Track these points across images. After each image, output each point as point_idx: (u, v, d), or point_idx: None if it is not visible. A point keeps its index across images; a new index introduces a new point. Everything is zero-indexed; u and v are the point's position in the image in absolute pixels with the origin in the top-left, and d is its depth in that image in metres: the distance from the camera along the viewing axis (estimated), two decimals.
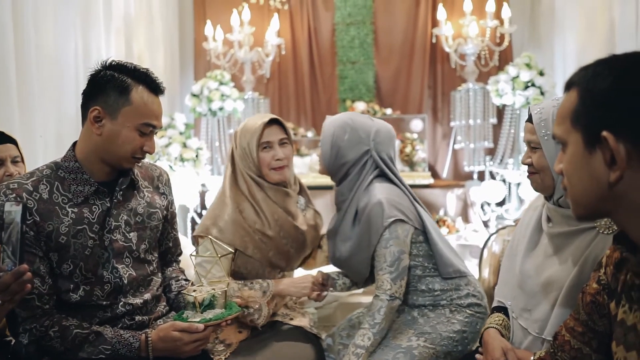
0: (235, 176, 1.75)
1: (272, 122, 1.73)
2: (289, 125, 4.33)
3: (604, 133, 0.78)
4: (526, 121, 1.37)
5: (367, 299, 2.45)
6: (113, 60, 1.39)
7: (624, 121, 0.77)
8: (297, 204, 1.81)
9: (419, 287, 1.71)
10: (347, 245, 1.71)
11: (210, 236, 1.52)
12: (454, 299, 1.70)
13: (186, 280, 1.61)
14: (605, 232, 1.22)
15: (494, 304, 1.49)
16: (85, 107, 1.37)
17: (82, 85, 1.40)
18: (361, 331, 1.61)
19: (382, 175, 1.72)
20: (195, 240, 1.77)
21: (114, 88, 1.34)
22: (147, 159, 1.54)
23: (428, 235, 1.70)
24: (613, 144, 0.77)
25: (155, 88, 1.39)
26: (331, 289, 1.81)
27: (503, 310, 1.44)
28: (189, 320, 1.33)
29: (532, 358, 1.20)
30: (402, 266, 1.63)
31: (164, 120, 3.60)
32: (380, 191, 1.66)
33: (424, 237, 1.70)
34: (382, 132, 1.72)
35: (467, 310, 1.68)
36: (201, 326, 1.31)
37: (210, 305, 1.35)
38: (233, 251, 1.57)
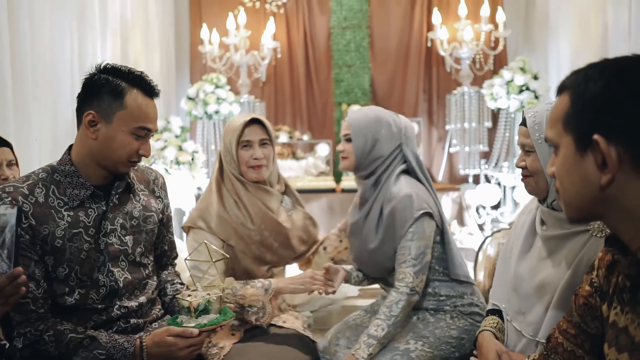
0: (221, 172, 1.80)
1: (253, 121, 1.77)
2: (285, 128, 4.34)
3: (595, 136, 0.78)
4: (520, 124, 1.38)
5: (363, 302, 2.45)
6: (107, 64, 1.38)
7: (615, 125, 0.78)
8: (281, 203, 1.84)
9: (426, 290, 1.71)
10: (374, 238, 1.71)
11: (205, 241, 1.53)
12: (457, 306, 1.71)
13: (181, 284, 1.61)
14: (598, 235, 1.22)
15: (489, 307, 1.49)
16: (80, 111, 1.37)
17: (78, 88, 1.40)
18: (376, 322, 1.61)
19: (406, 172, 1.73)
20: (185, 232, 1.82)
21: (108, 92, 1.33)
22: (143, 162, 1.54)
23: (445, 236, 1.72)
24: (604, 147, 0.78)
25: (150, 91, 1.39)
26: (344, 281, 1.79)
27: (497, 313, 1.45)
28: (183, 325, 1.33)
29: None
30: (425, 260, 1.64)
31: (160, 124, 3.60)
32: (409, 185, 1.68)
33: (440, 237, 1.72)
34: (409, 128, 1.76)
35: (469, 319, 1.69)
36: (196, 331, 1.31)
37: (205, 310, 1.35)
38: (228, 256, 1.59)
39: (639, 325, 0.81)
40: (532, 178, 1.34)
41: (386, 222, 1.67)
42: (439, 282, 1.71)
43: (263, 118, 1.81)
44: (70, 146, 1.42)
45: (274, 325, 1.78)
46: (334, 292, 1.74)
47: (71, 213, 1.35)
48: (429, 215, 1.66)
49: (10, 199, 1.29)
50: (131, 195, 1.47)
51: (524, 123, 1.35)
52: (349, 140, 1.73)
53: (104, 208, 1.40)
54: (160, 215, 1.55)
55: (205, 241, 1.52)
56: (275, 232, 1.78)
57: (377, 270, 1.77)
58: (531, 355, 1.20)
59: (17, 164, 1.81)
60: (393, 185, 1.69)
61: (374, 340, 1.57)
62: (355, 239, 1.79)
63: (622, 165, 0.78)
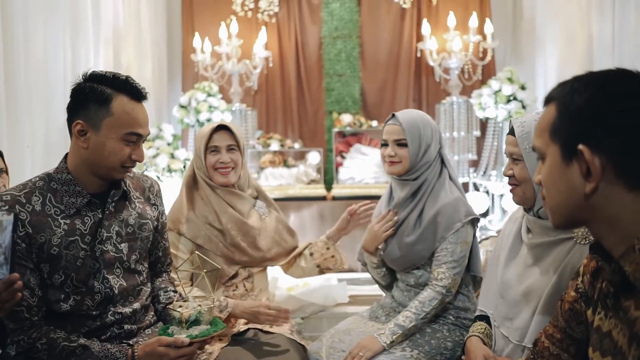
0: (194, 176, 1.90)
1: (222, 128, 1.86)
2: (276, 136, 4.35)
3: (580, 146, 0.81)
4: (508, 134, 1.41)
5: (354, 309, 2.47)
6: (93, 72, 1.37)
7: (599, 136, 0.81)
8: (253, 206, 1.93)
9: None
10: (411, 233, 1.74)
11: (197, 252, 1.56)
12: (459, 317, 1.74)
13: (174, 291, 1.61)
14: (582, 242, 1.26)
15: (477, 313, 1.52)
16: (69, 122, 1.37)
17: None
18: (406, 313, 1.67)
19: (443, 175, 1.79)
20: None
21: (93, 100, 1.33)
22: (136, 169, 1.55)
23: (474, 240, 1.76)
24: (589, 157, 0.81)
25: (137, 95, 1.37)
26: (374, 251, 1.82)
27: (485, 319, 1.47)
28: (174, 336, 1.33)
29: None
30: (464, 264, 1.69)
31: (152, 132, 3.60)
32: (455, 190, 1.75)
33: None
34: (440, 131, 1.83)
35: (464, 332, 1.71)
36: (186, 340, 1.31)
37: (196, 321, 1.36)
38: (219, 267, 1.61)
39: (622, 329, 0.83)
40: (519, 187, 1.37)
41: (428, 221, 1.71)
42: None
43: (231, 125, 1.88)
44: (67, 154, 1.42)
45: (261, 330, 1.80)
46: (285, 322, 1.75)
47: (67, 221, 1.36)
48: (475, 221, 1.73)
49: (7, 207, 1.29)
50: (127, 202, 1.47)
51: (512, 132, 1.38)
52: (401, 145, 1.74)
53: (100, 216, 1.40)
54: (156, 223, 1.56)
55: (197, 252, 1.54)
56: (242, 232, 1.85)
57: (402, 265, 1.79)
58: None
59: (6, 172, 1.80)
60: (442, 188, 1.74)
61: (399, 329, 1.64)
62: (390, 239, 1.80)
63: (605, 174, 0.81)
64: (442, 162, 1.81)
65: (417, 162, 1.74)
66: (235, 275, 1.87)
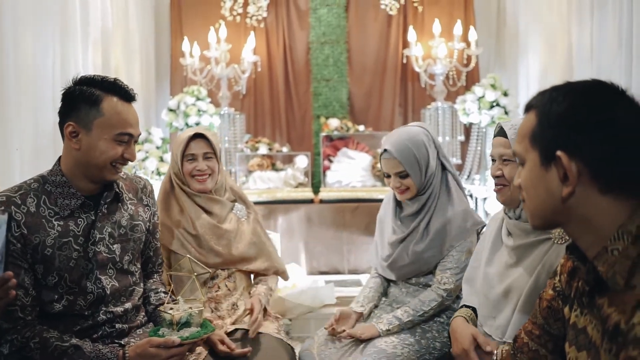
0: (171, 181, 1.92)
1: (198, 136, 1.88)
2: (264, 140, 4.38)
3: (559, 152, 0.86)
4: (496, 136, 1.46)
5: None
6: (82, 76, 1.41)
7: (577, 143, 0.86)
8: (231, 210, 1.95)
9: None
10: (419, 242, 1.79)
11: (189, 255, 1.57)
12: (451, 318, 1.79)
13: (165, 293, 1.63)
14: (559, 242, 1.31)
15: (462, 303, 1.58)
16: (61, 125, 1.40)
17: (60, 98, 1.41)
18: (406, 308, 1.75)
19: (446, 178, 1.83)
20: None
21: (84, 101, 1.36)
22: (127, 171, 1.57)
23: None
24: (566, 162, 0.86)
25: (125, 95, 1.40)
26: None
27: (471, 308, 1.53)
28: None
29: (496, 351, 1.27)
30: (465, 271, 1.73)
31: (141, 135, 3.60)
32: (464, 201, 1.80)
33: None
34: (432, 134, 1.85)
35: None
36: (177, 339, 1.33)
37: (186, 323, 1.38)
38: (210, 271, 1.62)
39: (596, 325, 0.88)
40: (507, 187, 1.42)
41: (437, 230, 1.77)
42: None
43: (208, 133, 1.90)
44: (60, 157, 1.44)
45: (248, 330, 1.82)
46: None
47: (61, 222, 1.38)
48: (481, 229, 1.78)
49: (2, 208, 1.31)
50: (119, 204, 1.50)
51: (501, 134, 1.43)
52: (403, 176, 1.77)
53: (93, 217, 1.42)
54: (148, 224, 1.58)
55: (188, 255, 1.56)
56: (216, 235, 1.87)
57: (410, 271, 1.83)
58: (501, 347, 1.28)
59: None
60: (450, 199, 1.79)
61: (397, 321, 1.73)
62: (397, 247, 1.84)
63: (581, 179, 0.86)
64: (443, 166, 1.84)
65: (424, 183, 1.80)
66: (215, 276, 1.89)
